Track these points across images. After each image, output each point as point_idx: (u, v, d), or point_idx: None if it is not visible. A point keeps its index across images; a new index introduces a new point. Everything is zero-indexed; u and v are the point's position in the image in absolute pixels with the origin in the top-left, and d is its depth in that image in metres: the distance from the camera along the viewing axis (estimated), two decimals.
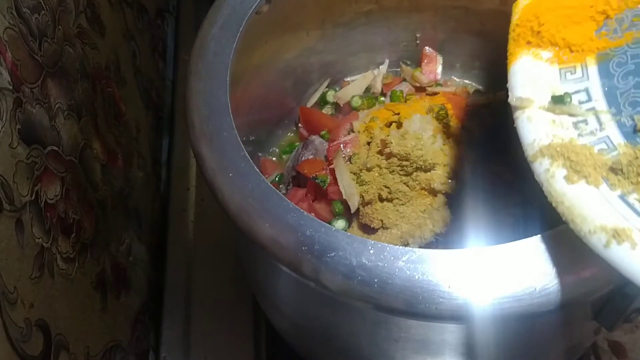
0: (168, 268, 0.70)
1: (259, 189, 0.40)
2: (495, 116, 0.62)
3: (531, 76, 0.38)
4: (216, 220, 0.71)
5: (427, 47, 0.64)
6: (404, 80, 0.65)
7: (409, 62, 0.66)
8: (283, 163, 0.62)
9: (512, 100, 0.38)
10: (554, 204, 0.34)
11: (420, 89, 0.65)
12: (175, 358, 0.64)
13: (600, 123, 0.36)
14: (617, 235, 0.31)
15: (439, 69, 0.65)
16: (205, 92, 0.45)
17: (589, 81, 0.37)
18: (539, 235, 0.36)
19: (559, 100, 0.37)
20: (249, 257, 0.49)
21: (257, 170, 0.41)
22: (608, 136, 0.35)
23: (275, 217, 0.39)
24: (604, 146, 0.35)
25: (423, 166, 0.52)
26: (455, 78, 0.66)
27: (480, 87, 0.65)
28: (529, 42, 0.40)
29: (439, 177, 0.52)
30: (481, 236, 0.52)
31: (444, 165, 0.53)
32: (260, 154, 0.62)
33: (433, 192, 0.53)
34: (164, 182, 0.78)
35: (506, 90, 0.62)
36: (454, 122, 0.57)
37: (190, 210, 0.73)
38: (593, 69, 0.37)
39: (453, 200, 0.53)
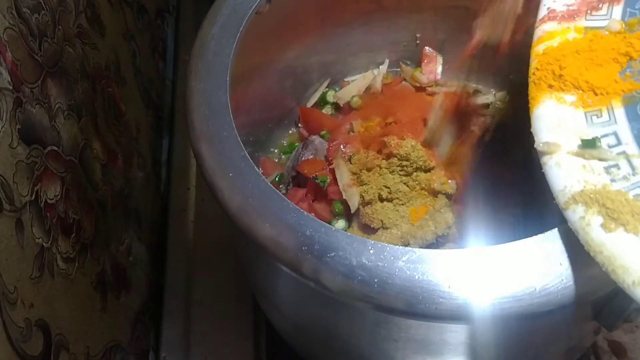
0: (168, 268, 0.70)
1: (259, 189, 0.40)
2: (495, 116, 0.62)
3: (556, 120, 0.37)
4: (216, 220, 0.71)
5: (427, 47, 0.64)
6: (404, 80, 0.65)
7: (409, 62, 0.66)
8: (283, 163, 0.62)
9: (538, 145, 0.37)
10: (592, 254, 0.33)
11: (420, 89, 0.65)
12: (175, 358, 0.64)
13: (632, 167, 0.34)
14: None
15: (439, 69, 0.65)
16: (205, 92, 0.45)
17: (617, 125, 0.36)
18: (539, 235, 0.36)
19: (588, 145, 0.36)
20: (249, 257, 0.49)
21: (257, 170, 0.41)
22: None
23: (275, 217, 0.39)
24: (639, 191, 0.34)
25: (423, 166, 0.52)
26: (455, 78, 0.66)
27: (480, 87, 0.65)
28: (550, 86, 0.39)
29: (439, 177, 0.52)
30: (481, 236, 0.52)
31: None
32: (260, 154, 0.62)
33: (433, 193, 0.53)
34: (164, 182, 0.78)
35: (506, 90, 0.62)
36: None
37: (190, 210, 0.73)
38: (620, 112, 0.36)
39: (453, 201, 0.53)
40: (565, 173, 0.35)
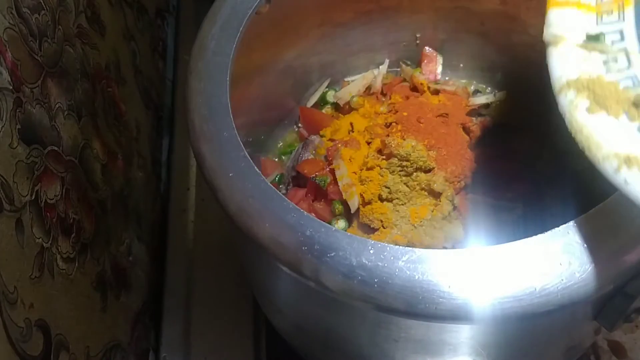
0: (168, 268, 0.70)
1: (259, 189, 0.40)
2: (495, 116, 0.62)
3: (568, 17, 0.39)
4: (216, 220, 0.71)
5: (427, 47, 0.64)
6: (404, 80, 0.65)
7: (409, 62, 0.66)
8: (283, 163, 0.62)
9: (545, 36, 0.38)
10: (573, 133, 0.34)
11: (420, 89, 0.65)
12: (175, 358, 0.64)
13: (629, 61, 0.36)
14: (629, 161, 0.32)
15: (439, 69, 0.65)
16: (205, 92, 0.45)
17: (624, 23, 0.38)
18: (539, 235, 0.36)
19: (592, 39, 0.37)
20: (249, 257, 0.49)
21: (257, 170, 0.41)
22: (635, 74, 0.36)
23: (275, 217, 0.39)
24: (629, 83, 0.35)
25: (423, 167, 0.52)
26: (455, 78, 0.66)
27: (480, 87, 0.65)
28: None
29: (439, 177, 0.52)
30: (481, 236, 0.52)
31: None
32: (260, 154, 0.62)
33: (433, 193, 0.53)
34: (164, 182, 0.78)
35: (506, 90, 0.62)
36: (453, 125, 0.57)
37: (190, 210, 0.73)
38: (630, 10, 0.38)
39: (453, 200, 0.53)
40: (565, 62, 0.37)
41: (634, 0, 0.38)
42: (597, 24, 0.38)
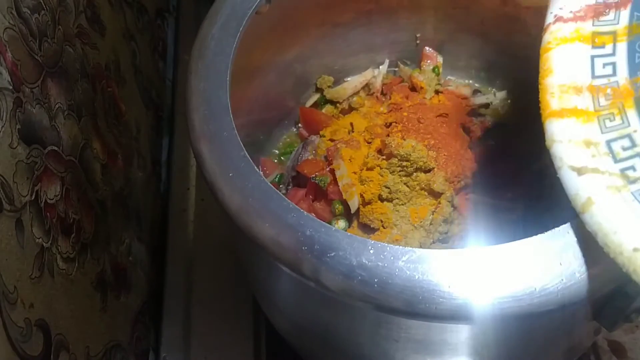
0: (168, 268, 0.70)
1: (259, 189, 0.40)
2: (495, 116, 0.62)
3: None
4: (216, 220, 0.71)
5: (427, 47, 0.64)
6: (403, 80, 0.65)
7: (408, 62, 0.66)
8: (283, 163, 0.62)
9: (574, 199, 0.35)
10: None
11: (420, 89, 0.65)
12: (175, 358, 0.64)
13: None
14: None
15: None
16: (205, 92, 0.45)
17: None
18: (539, 235, 0.36)
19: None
20: (249, 257, 0.49)
21: (257, 170, 0.41)
22: None
23: (275, 217, 0.39)
24: None
25: (423, 167, 0.52)
26: (455, 78, 0.66)
27: (480, 87, 0.65)
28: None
29: (439, 177, 0.52)
30: (481, 236, 0.52)
31: None
32: (260, 154, 0.62)
33: (433, 193, 0.53)
34: (164, 182, 0.78)
35: (506, 90, 0.62)
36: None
37: (190, 210, 0.73)
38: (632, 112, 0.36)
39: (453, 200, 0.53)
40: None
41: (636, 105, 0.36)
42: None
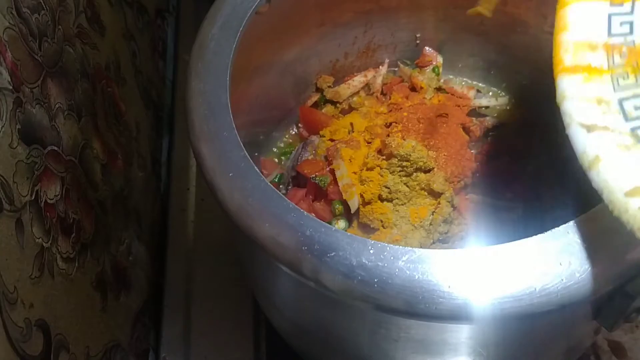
0: (168, 268, 0.70)
1: (259, 189, 0.40)
2: (495, 116, 0.62)
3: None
4: (216, 220, 0.71)
5: (427, 47, 0.64)
6: (403, 80, 0.65)
7: (408, 62, 0.66)
8: (283, 163, 0.62)
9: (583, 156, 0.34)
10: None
11: (419, 89, 0.65)
12: (175, 358, 0.64)
13: None
14: None
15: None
16: (205, 92, 0.45)
17: None
18: (539, 235, 0.36)
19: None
20: (249, 257, 0.49)
21: (257, 170, 0.41)
22: None
23: (275, 217, 0.39)
24: None
25: (423, 167, 0.52)
26: (455, 78, 0.66)
27: (480, 87, 0.65)
28: None
29: (439, 177, 0.52)
30: (481, 236, 0.52)
31: None
32: (260, 154, 0.62)
33: (433, 193, 0.53)
34: (164, 182, 0.78)
35: (511, 94, 0.62)
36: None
37: (190, 210, 0.73)
38: None
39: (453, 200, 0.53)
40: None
41: None
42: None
